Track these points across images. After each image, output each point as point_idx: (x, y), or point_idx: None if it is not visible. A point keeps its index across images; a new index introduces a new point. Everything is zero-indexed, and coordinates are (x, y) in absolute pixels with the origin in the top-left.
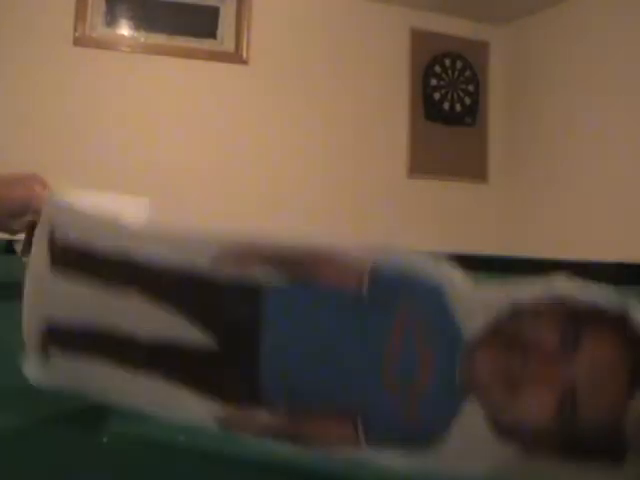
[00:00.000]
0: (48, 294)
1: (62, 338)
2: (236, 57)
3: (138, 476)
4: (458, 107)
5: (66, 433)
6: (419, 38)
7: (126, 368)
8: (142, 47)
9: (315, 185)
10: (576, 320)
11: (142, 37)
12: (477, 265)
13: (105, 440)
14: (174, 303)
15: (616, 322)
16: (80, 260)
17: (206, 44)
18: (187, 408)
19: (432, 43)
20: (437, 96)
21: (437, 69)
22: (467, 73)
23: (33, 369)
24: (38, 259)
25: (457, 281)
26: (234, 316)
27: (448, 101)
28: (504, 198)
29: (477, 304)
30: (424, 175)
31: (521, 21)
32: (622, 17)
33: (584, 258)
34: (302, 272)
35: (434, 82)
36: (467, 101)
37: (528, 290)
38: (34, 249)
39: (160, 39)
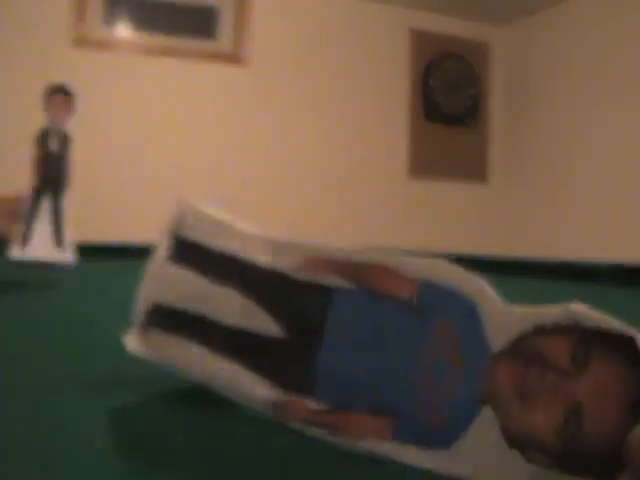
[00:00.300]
0: (161, 280)
1: (162, 317)
2: (235, 58)
3: (137, 476)
4: (458, 108)
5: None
6: (419, 39)
7: (208, 348)
8: (141, 47)
9: (315, 185)
10: (587, 342)
11: (141, 37)
12: (477, 265)
13: (104, 441)
14: (259, 297)
15: (623, 346)
16: (193, 255)
17: (205, 44)
18: (250, 391)
19: (432, 44)
20: (437, 97)
21: (437, 70)
22: (467, 74)
23: (133, 341)
24: (161, 250)
25: (490, 299)
26: (304, 312)
27: (448, 102)
28: (504, 198)
29: (504, 322)
30: (424, 175)
31: (521, 21)
32: (621, 17)
33: (584, 258)
34: (366, 279)
35: (434, 83)
36: (467, 102)
37: (547, 313)
38: (160, 242)
39: (159, 39)
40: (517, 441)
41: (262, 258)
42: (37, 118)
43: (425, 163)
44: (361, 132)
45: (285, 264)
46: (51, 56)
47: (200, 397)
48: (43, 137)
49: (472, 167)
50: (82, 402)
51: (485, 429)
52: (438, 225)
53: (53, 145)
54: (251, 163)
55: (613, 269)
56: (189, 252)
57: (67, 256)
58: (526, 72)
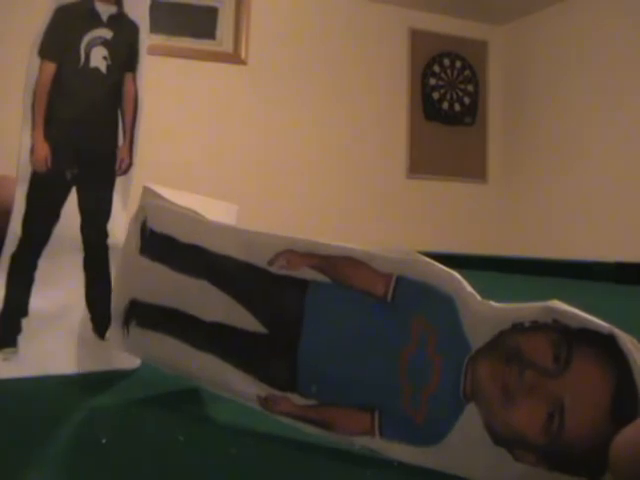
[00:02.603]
0: (134, 275)
1: (140, 314)
2: (235, 57)
3: (136, 476)
4: (457, 107)
5: (66, 434)
6: (418, 38)
7: (189, 344)
8: None
9: (315, 185)
10: (568, 341)
11: None
12: (477, 265)
13: (104, 441)
14: (235, 292)
15: (604, 345)
16: (164, 248)
17: (205, 44)
18: (235, 386)
19: (431, 43)
20: (436, 96)
21: (436, 69)
22: (466, 72)
23: (116, 338)
24: (130, 244)
25: (467, 294)
26: (282, 307)
27: (447, 101)
28: (504, 197)
29: (484, 319)
30: (423, 175)
31: (519, 20)
32: (620, 17)
33: (584, 258)
34: (340, 273)
35: (433, 82)
36: (466, 100)
37: (528, 310)
38: (128, 235)
39: (159, 40)
40: (503, 438)
41: (234, 251)
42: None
43: (424, 162)
44: (360, 131)
45: (259, 257)
46: None
47: (200, 396)
48: None
49: (471, 166)
50: (84, 400)
51: (470, 426)
52: (437, 224)
53: None
54: (250, 161)
55: (612, 268)
56: (160, 245)
57: (123, 360)
58: (525, 71)
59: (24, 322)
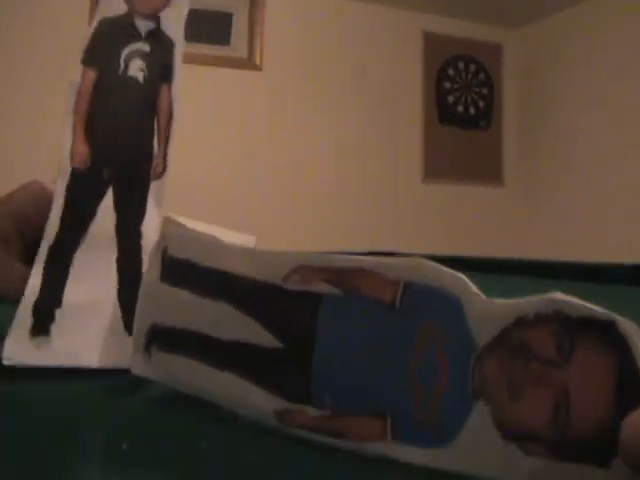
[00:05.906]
0: (155, 301)
1: (161, 337)
2: (249, 63)
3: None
4: (472, 110)
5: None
6: (432, 41)
7: (209, 364)
8: None
9: (328, 190)
10: (569, 330)
11: None
12: (492, 268)
13: (125, 447)
14: (252, 310)
15: (605, 332)
16: (184, 273)
17: (219, 51)
18: (253, 402)
19: (445, 46)
20: (451, 99)
21: (450, 72)
22: (480, 76)
23: (137, 364)
24: (151, 272)
25: (473, 295)
26: (296, 320)
27: (462, 104)
28: (520, 200)
29: (488, 316)
30: (439, 179)
31: (534, 23)
32: (636, 19)
33: (600, 260)
34: (351, 284)
35: (448, 85)
36: (481, 104)
37: (528, 303)
38: (150, 264)
39: None
40: (512, 433)
41: (250, 271)
42: (50, 131)
43: (440, 166)
44: (375, 135)
45: (274, 275)
46: (69, 62)
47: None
48: None
49: (487, 169)
50: (104, 405)
51: (480, 424)
52: (453, 228)
53: None
54: (265, 166)
55: (629, 271)
56: (180, 271)
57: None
58: (540, 73)
59: (57, 313)
